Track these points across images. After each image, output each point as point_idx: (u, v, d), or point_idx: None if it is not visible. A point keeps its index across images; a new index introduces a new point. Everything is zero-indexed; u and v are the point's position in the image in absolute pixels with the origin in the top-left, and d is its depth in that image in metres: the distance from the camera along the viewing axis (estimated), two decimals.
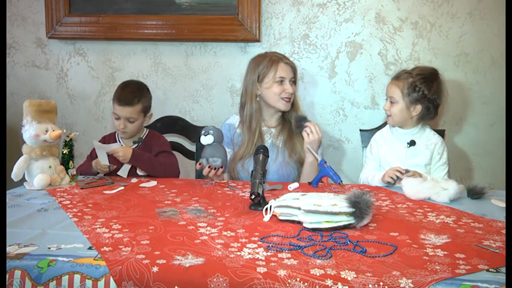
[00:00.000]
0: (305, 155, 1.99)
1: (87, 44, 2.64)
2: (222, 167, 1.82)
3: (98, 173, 2.00)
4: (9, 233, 1.20)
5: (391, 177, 1.80)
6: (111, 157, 1.94)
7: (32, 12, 2.65)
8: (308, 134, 1.93)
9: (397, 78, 1.94)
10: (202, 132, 1.80)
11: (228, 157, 2.04)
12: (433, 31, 2.39)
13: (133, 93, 2.01)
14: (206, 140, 1.79)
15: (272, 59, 2.02)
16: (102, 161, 1.93)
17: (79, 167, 2.04)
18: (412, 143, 1.92)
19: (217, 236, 1.21)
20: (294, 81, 2.05)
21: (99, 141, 2.11)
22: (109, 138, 2.12)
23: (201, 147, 2.35)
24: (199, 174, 2.33)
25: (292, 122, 2.05)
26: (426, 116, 1.93)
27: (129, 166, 1.99)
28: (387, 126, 2.05)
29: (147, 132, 2.12)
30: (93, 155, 2.08)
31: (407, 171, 1.79)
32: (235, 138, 2.11)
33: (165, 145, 2.12)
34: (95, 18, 2.57)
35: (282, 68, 2.01)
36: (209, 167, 1.80)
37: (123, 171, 1.98)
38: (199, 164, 1.84)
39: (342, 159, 2.53)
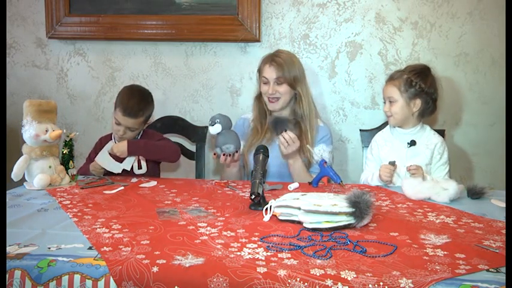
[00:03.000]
0: (291, 157, 1.96)
1: (87, 44, 2.64)
2: (237, 152, 1.81)
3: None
4: (9, 233, 1.20)
5: (386, 176, 1.81)
6: (115, 156, 1.94)
7: (32, 12, 2.65)
8: (285, 147, 1.88)
9: (391, 78, 1.96)
10: (209, 122, 1.78)
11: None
12: (433, 31, 2.39)
13: (139, 104, 1.99)
14: (214, 129, 1.77)
15: (264, 59, 2.10)
16: (114, 170, 1.93)
17: (78, 170, 2.04)
18: (412, 143, 1.92)
19: (217, 236, 1.21)
20: (283, 82, 2.02)
21: (97, 143, 2.12)
22: (105, 140, 2.12)
23: (201, 146, 2.36)
24: (199, 174, 2.34)
25: (274, 125, 1.99)
26: (426, 110, 1.94)
27: (132, 159, 1.98)
28: (387, 127, 2.05)
29: (141, 133, 2.12)
30: (91, 157, 2.08)
31: (393, 163, 1.82)
32: (250, 132, 2.14)
33: (160, 136, 2.13)
34: (95, 18, 2.57)
35: (266, 70, 2.06)
36: (224, 154, 1.79)
37: (127, 164, 1.97)
38: (214, 154, 1.83)
39: (342, 159, 2.53)
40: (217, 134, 1.78)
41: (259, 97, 2.15)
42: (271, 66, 2.04)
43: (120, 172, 1.95)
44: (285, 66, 2.04)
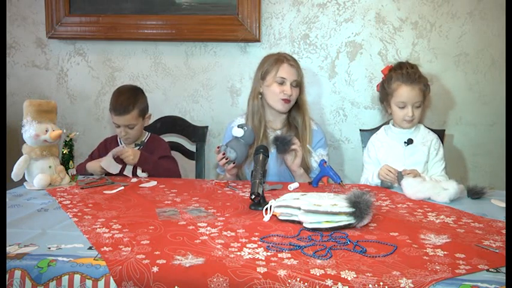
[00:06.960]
0: (297, 166, 1.92)
1: (87, 44, 2.64)
2: (234, 163, 1.80)
3: (92, 174, 2.00)
4: (9, 233, 1.20)
5: (384, 177, 1.81)
6: (117, 159, 1.96)
7: (32, 12, 2.65)
8: (296, 155, 1.88)
9: (412, 82, 1.89)
10: (239, 124, 1.83)
11: None
12: (433, 31, 2.39)
13: (127, 100, 2.01)
14: (236, 131, 1.77)
15: (277, 58, 2.01)
16: (113, 170, 1.94)
17: (79, 165, 2.03)
18: (409, 141, 1.93)
19: (217, 236, 1.21)
20: (296, 85, 2.01)
21: (101, 143, 2.14)
22: (111, 140, 2.14)
23: (201, 146, 2.36)
24: (199, 174, 2.34)
25: (276, 142, 1.86)
26: None
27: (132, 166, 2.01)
28: (382, 128, 2.06)
29: (148, 136, 2.13)
30: (93, 156, 2.09)
31: (399, 172, 1.79)
32: None
33: (166, 150, 2.14)
34: (95, 18, 2.57)
35: (285, 69, 1.98)
36: (223, 154, 1.78)
37: (128, 171, 2.01)
38: (218, 147, 1.81)
39: (342, 159, 2.53)
40: (235, 137, 1.78)
41: (257, 97, 2.05)
42: (291, 67, 1.99)
43: (117, 171, 1.96)
44: (300, 70, 2.03)
